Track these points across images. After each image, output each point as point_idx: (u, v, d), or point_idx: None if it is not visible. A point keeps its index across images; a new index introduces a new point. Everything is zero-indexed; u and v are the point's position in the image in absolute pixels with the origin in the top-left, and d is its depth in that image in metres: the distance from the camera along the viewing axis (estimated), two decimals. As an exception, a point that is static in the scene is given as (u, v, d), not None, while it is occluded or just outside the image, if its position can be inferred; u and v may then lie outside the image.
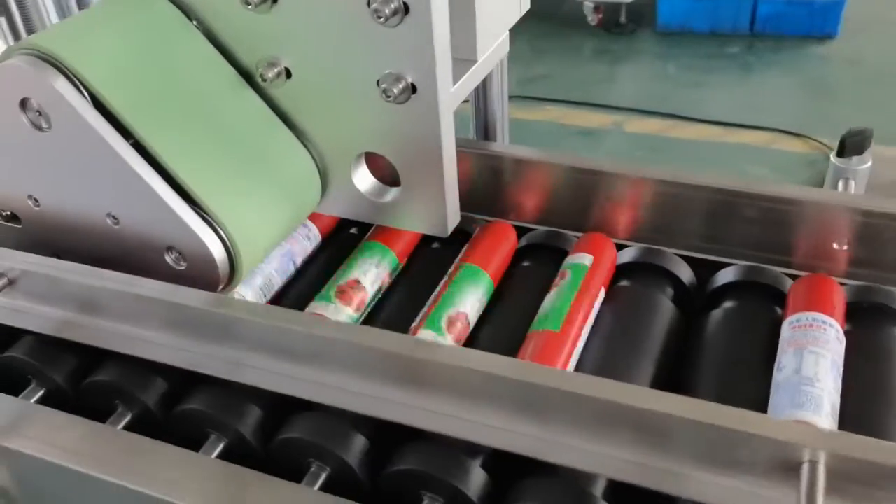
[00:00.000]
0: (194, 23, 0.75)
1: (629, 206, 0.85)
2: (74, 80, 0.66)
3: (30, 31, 1.28)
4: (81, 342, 0.72)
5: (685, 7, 3.84)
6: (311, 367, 0.64)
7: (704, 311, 0.76)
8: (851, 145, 0.81)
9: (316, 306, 0.77)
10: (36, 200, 0.75)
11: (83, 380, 0.73)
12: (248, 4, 0.70)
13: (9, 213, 0.77)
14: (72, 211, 0.73)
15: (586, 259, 0.78)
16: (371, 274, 0.80)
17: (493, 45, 0.81)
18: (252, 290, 0.78)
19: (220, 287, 0.72)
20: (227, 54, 0.76)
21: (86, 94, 0.66)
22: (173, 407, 0.69)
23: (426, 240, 0.87)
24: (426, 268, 0.84)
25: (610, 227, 0.86)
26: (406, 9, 0.66)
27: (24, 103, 0.68)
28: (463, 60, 0.79)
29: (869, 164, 0.83)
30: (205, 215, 0.69)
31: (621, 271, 0.81)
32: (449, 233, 0.78)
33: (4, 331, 0.76)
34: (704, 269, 0.80)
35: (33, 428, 0.66)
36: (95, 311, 0.71)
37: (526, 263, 0.84)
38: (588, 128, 3.31)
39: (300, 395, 0.65)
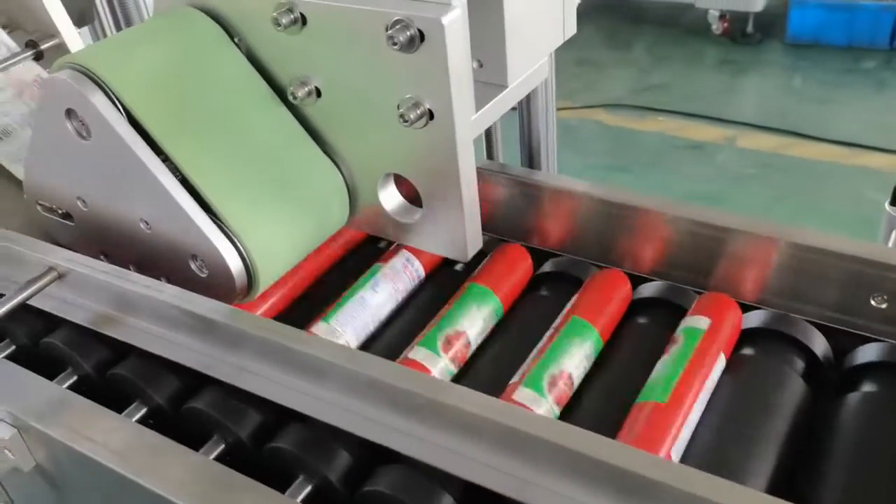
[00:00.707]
0: (236, 40, 0.78)
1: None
2: (111, 95, 0.70)
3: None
4: (111, 335, 0.77)
5: (818, 18, 3.65)
6: (306, 381, 0.66)
7: (840, 391, 0.69)
8: (907, 192, 0.76)
9: (419, 352, 0.76)
10: (84, 202, 0.80)
11: (108, 370, 0.77)
12: (279, 26, 0.73)
13: (63, 211, 0.83)
14: (112, 214, 0.78)
15: (703, 322, 0.72)
16: (478, 326, 0.79)
17: (527, 70, 0.80)
18: (353, 329, 0.79)
19: (239, 296, 0.75)
20: (263, 72, 0.78)
21: (121, 108, 0.70)
22: (182, 404, 0.73)
23: (532, 285, 0.86)
24: (528, 316, 0.82)
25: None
26: (422, 36, 0.66)
27: (69, 113, 0.73)
28: (494, 85, 0.79)
29: (929, 216, 0.77)
30: (225, 228, 0.72)
31: (746, 337, 0.74)
32: (468, 258, 0.78)
33: (53, 319, 0.82)
34: (842, 342, 0.73)
35: (59, 412, 0.71)
36: (124, 309, 0.75)
37: (641, 321, 0.79)
38: (699, 141, 3.20)
39: (294, 406, 0.66)
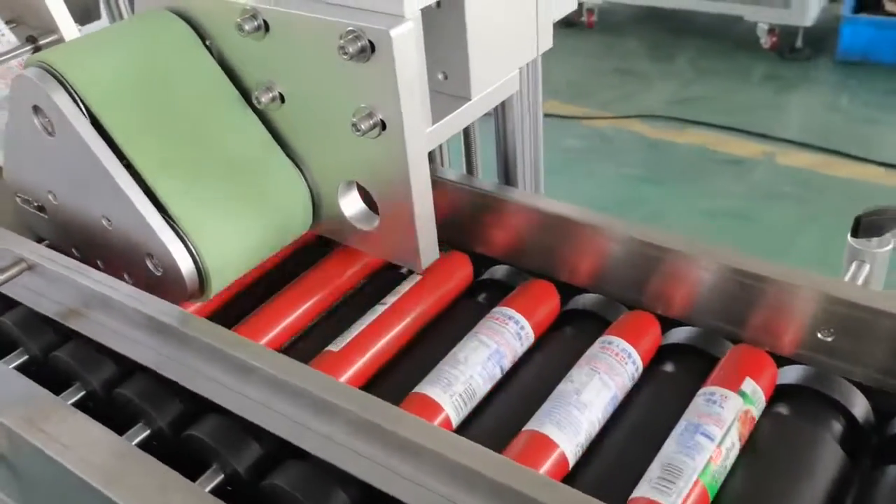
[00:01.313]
0: (207, 44, 0.80)
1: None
2: (75, 94, 0.72)
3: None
4: (78, 330, 0.79)
5: (870, 35, 3.54)
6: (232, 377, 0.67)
7: (881, 461, 0.64)
8: (867, 226, 0.72)
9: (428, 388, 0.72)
10: (54, 196, 0.82)
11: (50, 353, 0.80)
12: (242, 31, 0.74)
13: (38, 204, 0.85)
14: (78, 210, 0.80)
15: (748, 386, 0.68)
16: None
17: (494, 83, 0.80)
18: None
19: (192, 297, 0.76)
20: (232, 76, 0.79)
21: (83, 108, 0.72)
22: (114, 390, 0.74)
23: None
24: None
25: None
26: (373, 47, 0.66)
27: (35, 109, 0.74)
28: (460, 98, 0.79)
29: (889, 247, 0.73)
30: (177, 229, 0.73)
31: (779, 394, 0.71)
32: (422, 269, 0.78)
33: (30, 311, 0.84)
34: (886, 405, 0.68)
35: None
36: (83, 303, 0.77)
37: (667, 368, 0.76)
38: (737, 156, 3.14)
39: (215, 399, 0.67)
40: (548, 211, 0.84)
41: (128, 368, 0.75)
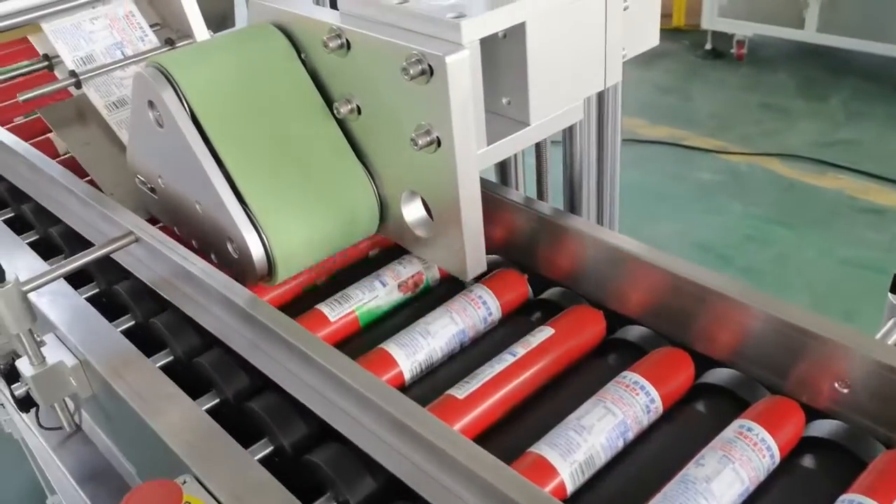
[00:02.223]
0: (302, 56, 0.89)
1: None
2: (180, 93, 0.83)
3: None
4: (167, 297, 0.90)
5: None
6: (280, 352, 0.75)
7: None
8: (905, 281, 0.71)
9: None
10: (161, 179, 0.94)
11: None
12: (327, 48, 0.82)
13: (150, 186, 0.98)
14: (177, 193, 0.91)
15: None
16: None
17: (554, 112, 0.84)
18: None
19: (263, 280, 0.85)
20: (321, 88, 0.88)
21: (186, 106, 0.83)
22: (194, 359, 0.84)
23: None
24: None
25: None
26: (431, 70, 0.73)
27: (150, 104, 0.86)
28: (520, 122, 0.84)
29: (929, 307, 0.72)
30: (255, 221, 0.82)
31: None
32: (469, 278, 0.84)
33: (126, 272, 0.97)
34: None
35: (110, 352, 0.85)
36: (171, 274, 0.89)
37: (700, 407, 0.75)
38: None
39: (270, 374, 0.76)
40: (606, 241, 0.84)
41: (207, 341, 0.86)
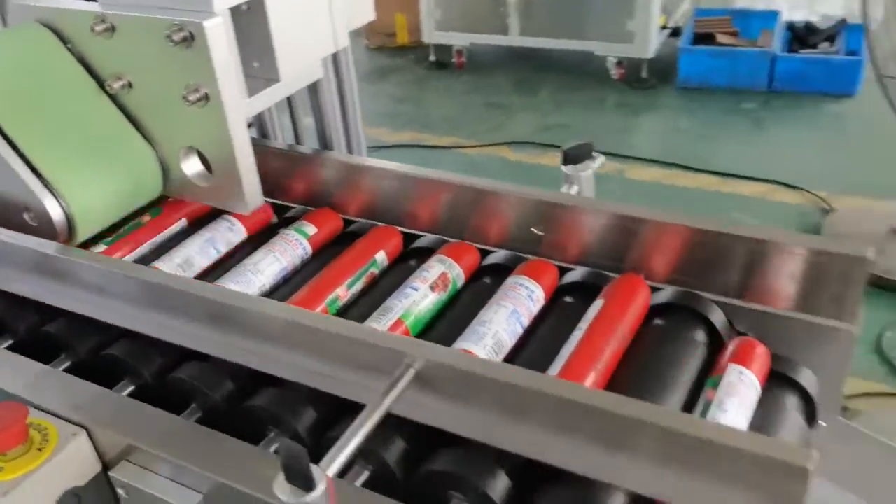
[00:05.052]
0: (68, 46, 1.01)
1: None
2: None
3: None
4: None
5: (705, 64, 3.99)
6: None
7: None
8: (571, 156, 0.99)
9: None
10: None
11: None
12: (93, 31, 0.95)
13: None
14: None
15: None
16: None
17: (297, 70, 1.03)
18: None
19: (62, 241, 0.96)
20: (91, 70, 1.01)
21: (-27, 97, 0.92)
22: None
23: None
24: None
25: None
26: (192, 36, 0.89)
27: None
28: (270, 80, 1.02)
29: (590, 171, 1.00)
30: (50, 187, 0.93)
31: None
32: (249, 211, 1.00)
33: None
34: None
35: None
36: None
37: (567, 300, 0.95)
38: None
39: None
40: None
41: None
